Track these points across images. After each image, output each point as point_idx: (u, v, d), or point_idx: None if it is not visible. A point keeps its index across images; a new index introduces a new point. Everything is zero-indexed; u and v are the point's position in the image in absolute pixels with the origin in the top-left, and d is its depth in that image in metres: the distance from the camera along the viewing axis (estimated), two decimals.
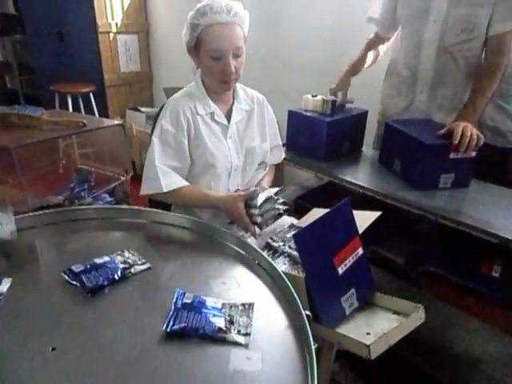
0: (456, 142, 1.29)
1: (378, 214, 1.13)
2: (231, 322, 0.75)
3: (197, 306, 0.77)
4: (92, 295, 0.80)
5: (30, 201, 1.16)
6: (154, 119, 1.30)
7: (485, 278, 1.27)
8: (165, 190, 1.13)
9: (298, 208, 1.67)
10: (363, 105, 1.75)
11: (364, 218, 1.09)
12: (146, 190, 1.18)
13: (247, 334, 0.73)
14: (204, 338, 0.72)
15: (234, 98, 1.25)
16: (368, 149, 1.80)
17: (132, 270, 0.88)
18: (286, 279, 0.86)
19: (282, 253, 1.11)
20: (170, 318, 0.74)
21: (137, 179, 1.71)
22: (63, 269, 0.86)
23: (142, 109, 3.41)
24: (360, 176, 1.51)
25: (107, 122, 1.46)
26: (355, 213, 1.03)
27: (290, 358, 0.71)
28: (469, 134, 1.29)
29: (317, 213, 1.24)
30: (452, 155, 1.34)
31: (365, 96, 1.77)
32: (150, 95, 3.89)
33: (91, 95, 3.21)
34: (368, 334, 0.91)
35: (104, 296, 0.82)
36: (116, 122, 1.47)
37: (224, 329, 0.73)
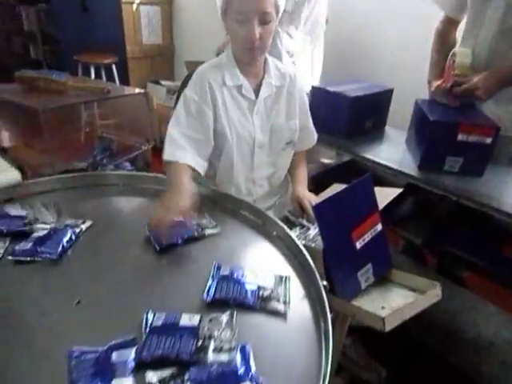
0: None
1: (399, 190, 1.12)
2: None
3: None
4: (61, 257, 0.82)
5: (56, 165, 1.19)
6: (178, 92, 1.28)
7: (507, 261, 1.25)
8: (164, 158, 1.07)
9: (317, 185, 1.66)
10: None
11: (385, 195, 1.08)
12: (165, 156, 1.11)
13: (286, 302, 0.76)
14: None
15: (264, 72, 1.20)
16: (391, 127, 1.77)
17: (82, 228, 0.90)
18: (305, 250, 0.87)
19: (300, 225, 1.11)
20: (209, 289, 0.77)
21: (157, 150, 1.73)
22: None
23: (163, 82, 3.41)
24: (382, 154, 1.48)
25: (131, 90, 1.46)
26: (376, 189, 1.02)
27: (305, 326, 0.72)
28: (473, 86, 1.24)
29: (337, 188, 1.23)
30: (461, 137, 1.26)
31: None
32: (171, 68, 3.88)
33: (113, 66, 3.22)
34: (383, 308, 0.91)
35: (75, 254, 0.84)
36: (140, 90, 1.47)
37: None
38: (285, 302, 0.75)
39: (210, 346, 0.62)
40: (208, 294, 0.74)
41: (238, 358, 0.61)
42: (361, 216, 0.97)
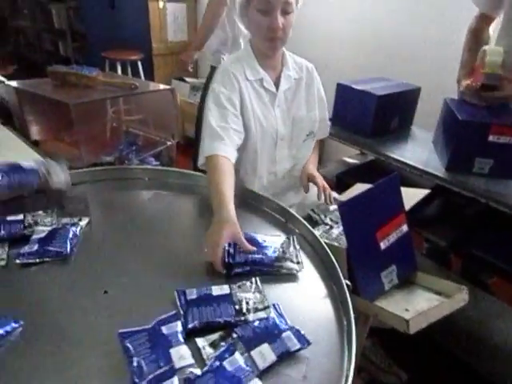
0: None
1: (425, 191, 1.09)
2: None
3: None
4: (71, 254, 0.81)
5: (85, 158, 1.22)
6: (203, 89, 1.29)
7: None
8: (204, 155, 1.07)
9: (339, 184, 1.65)
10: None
11: (411, 195, 1.06)
12: (200, 156, 1.12)
13: (299, 262, 0.83)
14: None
15: (282, 65, 1.22)
16: (418, 127, 1.73)
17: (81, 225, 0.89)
18: (328, 249, 0.86)
19: (323, 223, 1.10)
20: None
21: (181, 146, 1.75)
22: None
23: (187, 79, 3.44)
24: (408, 154, 1.46)
25: (157, 86, 1.48)
26: (402, 189, 1.00)
27: (327, 326, 0.71)
28: None
29: (360, 188, 1.22)
30: (491, 138, 1.22)
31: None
32: (195, 66, 3.90)
33: (139, 63, 3.27)
34: (407, 310, 0.90)
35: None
36: (166, 86, 1.49)
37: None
38: (298, 262, 0.82)
39: (247, 308, 0.70)
40: (229, 259, 0.79)
41: (274, 313, 0.69)
42: (386, 216, 0.95)
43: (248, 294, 0.73)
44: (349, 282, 0.79)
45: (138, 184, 1.15)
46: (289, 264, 0.82)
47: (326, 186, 1.22)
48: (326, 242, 0.90)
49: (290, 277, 0.82)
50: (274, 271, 0.81)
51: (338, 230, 1.06)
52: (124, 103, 1.72)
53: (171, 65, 3.67)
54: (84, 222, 0.90)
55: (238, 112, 1.14)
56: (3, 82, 1.40)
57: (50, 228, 0.85)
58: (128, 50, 3.28)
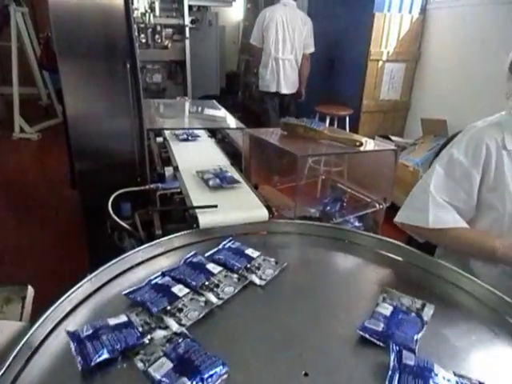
0: None
1: None
2: None
3: None
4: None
5: (297, 209, 1.21)
6: (436, 154, 1.14)
7: None
8: (430, 226, 0.97)
9: None
10: None
11: None
12: (404, 218, 1.04)
13: None
14: None
15: None
16: None
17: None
18: None
19: None
20: None
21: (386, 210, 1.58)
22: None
23: (393, 137, 3.30)
24: None
25: (381, 145, 1.40)
26: None
27: None
28: None
29: None
30: None
31: None
32: (402, 125, 3.74)
33: (347, 118, 3.33)
34: None
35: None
36: (390, 146, 1.39)
37: None
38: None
39: None
40: None
41: None
42: None
43: None
44: None
45: (335, 245, 1.02)
46: None
47: None
48: None
49: None
50: None
51: None
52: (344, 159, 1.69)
53: (377, 121, 3.61)
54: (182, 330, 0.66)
55: (471, 190, 0.98)
56: (243, 129, 1.58)
57: (162, 350, 0.62)
58: (339, 105, 3.39)
